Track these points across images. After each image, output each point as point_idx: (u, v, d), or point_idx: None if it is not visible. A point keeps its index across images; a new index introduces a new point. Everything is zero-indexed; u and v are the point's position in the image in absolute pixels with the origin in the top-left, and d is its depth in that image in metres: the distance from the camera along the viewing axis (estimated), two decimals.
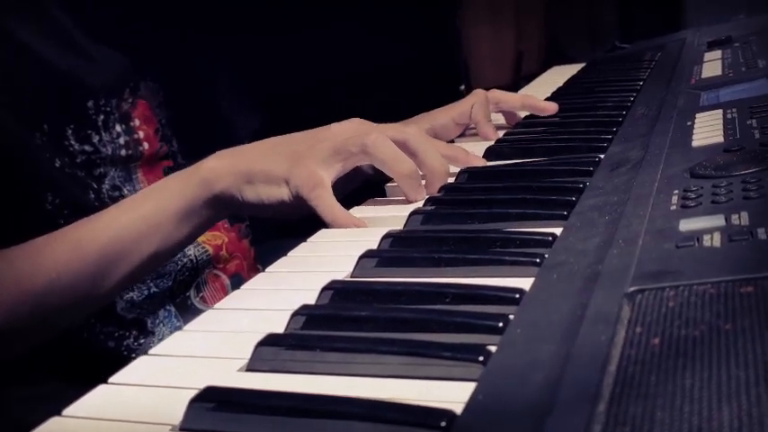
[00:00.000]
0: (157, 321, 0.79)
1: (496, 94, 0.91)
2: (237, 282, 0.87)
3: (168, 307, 0.80)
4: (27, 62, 0.72)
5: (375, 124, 0.69)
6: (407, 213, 0.60)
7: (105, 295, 0.67)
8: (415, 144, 0.66)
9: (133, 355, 0.77)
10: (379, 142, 0.63)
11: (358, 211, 0.67)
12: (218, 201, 0.66)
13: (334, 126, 0.67)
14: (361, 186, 0.74)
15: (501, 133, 0.89)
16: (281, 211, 0.66)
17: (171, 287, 0.80)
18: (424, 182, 0.67)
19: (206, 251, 0.84)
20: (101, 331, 0.76)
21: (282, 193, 0.64)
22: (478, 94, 0.90)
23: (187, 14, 0.92)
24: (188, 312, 0.81)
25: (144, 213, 0.65)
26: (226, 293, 0.85)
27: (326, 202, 0.62)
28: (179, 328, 0.79)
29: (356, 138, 0.64)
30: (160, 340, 0.77)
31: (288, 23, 1.93)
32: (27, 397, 0.76)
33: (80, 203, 0.73)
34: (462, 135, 0.92)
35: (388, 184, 0.72)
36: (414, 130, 0.68)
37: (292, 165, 0.64)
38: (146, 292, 0.78)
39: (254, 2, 1.79)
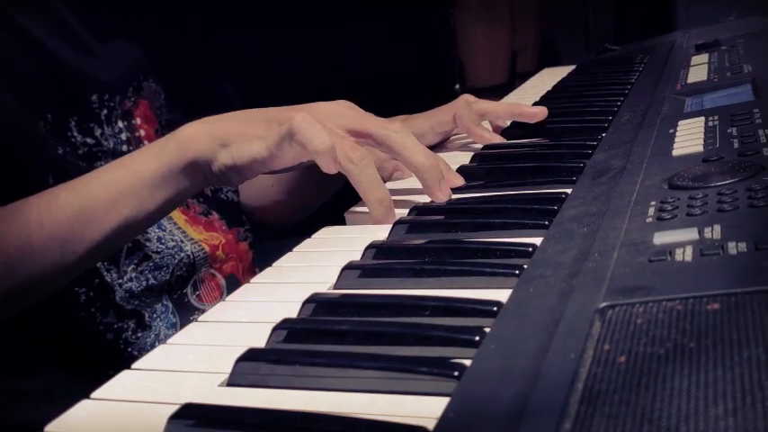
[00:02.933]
0: (155, 316, 0.80)
1: (482, 105, 0.88)
2: (233, 282, 0.89)
3: (165, 302, 0.81)
4: (34, 53, 0.74)
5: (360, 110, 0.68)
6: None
7: (76, 262, 0.66)
8: (398, 142, 0.65)
9: (129, 349, 0.78)
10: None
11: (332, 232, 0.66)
12: (193, 167, 0.65)
13: (316, 103, 0.66)
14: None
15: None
16: (251, 172, 0.65)
17: (168, 281, 0.81)
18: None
19: (203, 249, 0.85)
20: (101, 322, 0.77)
21: (254, 150, 0.63)
22: (458, 101, 0.88)
23: (190, 19, 0.94)
24: (184, 309, 0.83)
25: (118, 177, 0.65)
26: (221, 293, 0.86)
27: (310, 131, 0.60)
28: (174, 324, 0.81)
29: (347, 143, 0.62)
30: (156, 335, 0.80)
31: (286, 27, 1.93)
32: (26, 389, 0.77)
33: None
34: (447, 143, 0.93)
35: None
36: (397, 126, 0.66)
37: (269, 126, 0.63)
38: (144, 283, 0.79)
39: (255, 8, 1.80)
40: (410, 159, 0.65)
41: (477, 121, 0.87)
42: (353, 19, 2.02)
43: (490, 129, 0.89)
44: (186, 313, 0.83)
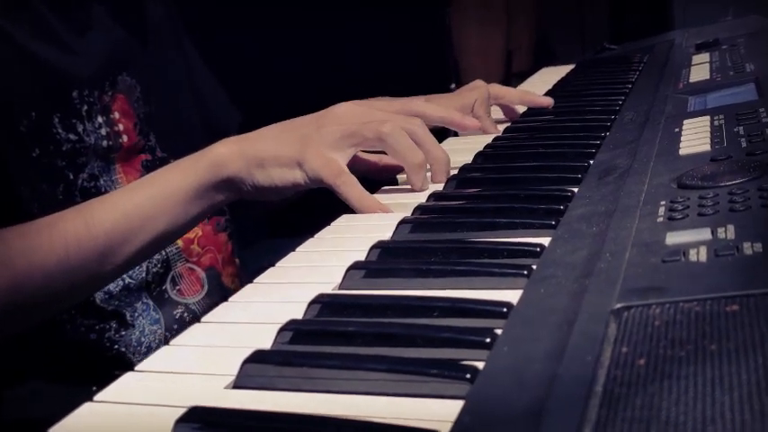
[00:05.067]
0: (136, 314, 0.80)
1: (496, 89, 0.95)
2: (213, 275, 0.89)
3: (146, 300, 0.81)
4: (15, 53, 0.73)
5: (373, 104, 0.73)
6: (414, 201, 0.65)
7: (112, 273, 0.68)
8: (420, 136, 0.69)
9: (116, 347, 0.78)
10: (395, 132, 0.66)
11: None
12: (227, 185, 0.67)
13: (337, 109, 0.69)
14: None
15: (500, 128, 0.91)
16: (290, 193, 0.68)
17: (145, 279, 0.81)
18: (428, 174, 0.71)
19: (176, 245, 0.85)
20: (82, 324, 0.77)
21: (296, 176, 0.66)
22: (481, 88, 0.93)
23: (163, 9, 0.92)
24: (166, 305, 0.83)
25: (153, 194, 0.67)
26: (202, 286, 0.86)
27: (354, 190, 0.66)
28: (157, 321, 0.81)
29: (372, 124, 0.67)
30: (141, 332, 0.79)
31: (285, 27, 1.92)
32: (13, 397, 0.76)
33: (48, 196, 0.74)
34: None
35: (399, 176, 0.76)
36: (418, 121, 0.70)
37: (303, 147, 0.66)
38: (121, 284, 0.79)
39: (254, 8, 1.79)
40: (430, 151, 0.70)
41: (489, 112, 0.92)
42: (349, 18, 2.01)
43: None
44: (168, 309, 0.83)
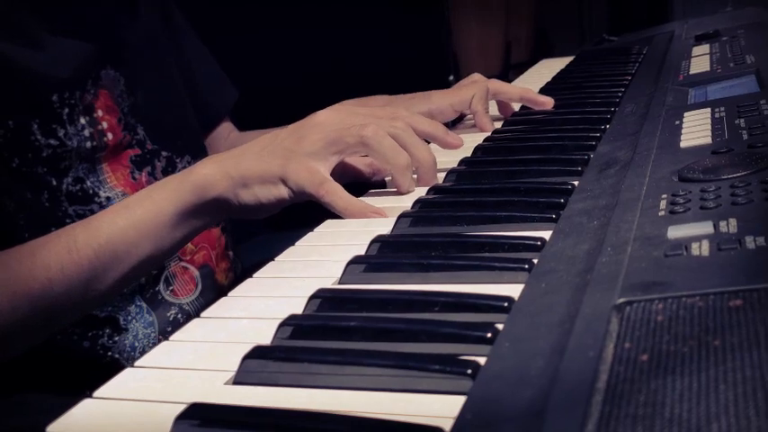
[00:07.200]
0: (130, 318, 0.79)
1: (496, 84, 0.93)
2: (207, 272, 0.87)
3: (139, 302, 0.80)
4: None
5: (357, 108, 0.70)
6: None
7: (99, 298, 0.67)
8: (404, 138, 0.67)
9: (109, 353, 0.77)
10: (377, 135, 0.65)
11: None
12: (212, 206, 0.66)
13: (317, 117, 0.67)
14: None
15: (497, 125, 0.90)
16: (277, 209, 0.67)
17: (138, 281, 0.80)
18: (414, 176, 0.69)
19: None
20: (74, 332, 0.76)
21: (281, 192, 0.64)
22: (480, 83, 0.91)
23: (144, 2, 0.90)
24: (160, 307, 0.81)
25: (137, 219, 0.65)
26: (196, 285, 0.85)
27: (339, 197, 0.64)
28: (152, 323, 0.80)
29: (353, 129, 0.65)
30: (134, 336, 0.78)
31: (275, 19, 1.91)
32: (5, 406, 0.75)
33: (33, 205, 0.73)
34: (458, 123, 0.94)
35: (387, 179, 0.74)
36: (402, 123, 0.68)
37: (286, 162, 0.64)
38: None
39: (254, 8, 1.77)
40: (415, 154, 0.68)
41: (487, 107, 0.90)
42: (348, 12, 2.01)
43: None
44: (162, 310, 0.81)
